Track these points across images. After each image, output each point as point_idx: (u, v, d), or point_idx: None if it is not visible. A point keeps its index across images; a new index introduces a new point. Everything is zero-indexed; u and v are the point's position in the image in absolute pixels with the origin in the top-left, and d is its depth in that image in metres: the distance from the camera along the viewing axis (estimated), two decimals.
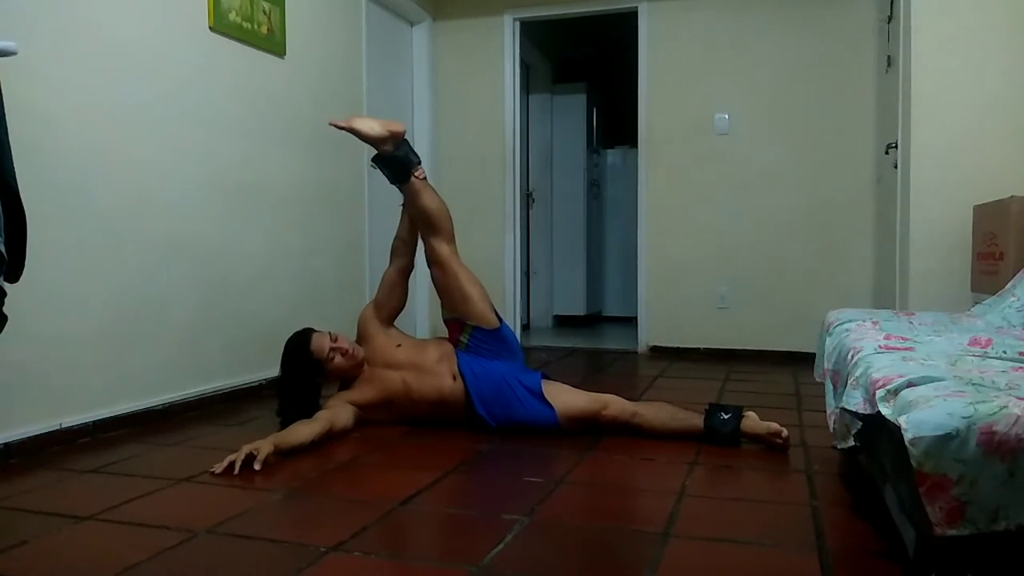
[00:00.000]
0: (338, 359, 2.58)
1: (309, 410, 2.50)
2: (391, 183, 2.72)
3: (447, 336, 2.73)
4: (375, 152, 2.69)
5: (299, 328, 2.70)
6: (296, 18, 3.56)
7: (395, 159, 2.65)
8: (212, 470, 2.09)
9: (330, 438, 2.42)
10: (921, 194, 3.29)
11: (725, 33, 4.53)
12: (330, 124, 2.67)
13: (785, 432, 2.31)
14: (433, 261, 2.69)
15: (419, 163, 2.69)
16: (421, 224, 2.72)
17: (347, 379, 2.67)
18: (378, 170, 2.73)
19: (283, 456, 2.22)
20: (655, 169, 4.69)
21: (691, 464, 2.19)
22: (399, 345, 2.67)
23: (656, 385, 3.63)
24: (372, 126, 2.63)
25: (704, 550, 1.58)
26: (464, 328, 2.66)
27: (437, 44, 5.01)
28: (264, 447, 2.15)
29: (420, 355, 2.63)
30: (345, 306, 3.81)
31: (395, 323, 2.83)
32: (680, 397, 2.95)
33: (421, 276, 4.95)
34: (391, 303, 2.80)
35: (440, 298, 2.74)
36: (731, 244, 4.55)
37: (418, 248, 2.86)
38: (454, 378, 2.57)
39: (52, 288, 2.39)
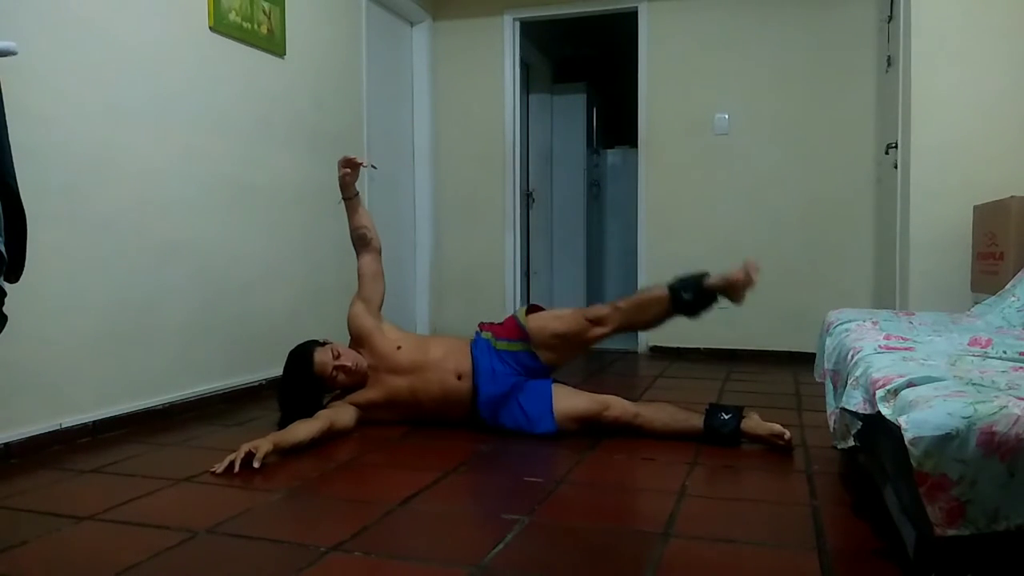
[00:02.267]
0: (341, 376, 2.54)
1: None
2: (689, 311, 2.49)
3: (486, 327, 2.68)
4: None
5: (298, 327, 2.70)
6: (296, 18, 3.56)
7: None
8: (213, 470, 2.09)
9: (331, 437, 2.42)
10: (921, 194, 3.29)
11: (725, 33, 4.53)
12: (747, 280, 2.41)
13: (788, 434, 2.31)
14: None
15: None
16: (627, 327, 2.60)
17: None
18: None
19: (283, 454, 2.22)
20: (655, 169, 4.69)
21: (691, 464, 2.19)
22: (400, 347, 2.62)
23: (656, 385, 3.63)
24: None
25: (704, 550, 1.58)
26: (523, 342, 2.56)
27: (437, 44, 5.01)
28: (263, 445, 2.15)
29: (423, 355, 2.59)
30: (345, 307, 3.79)
31: (391, 320, 2.79)
32: (680, 397, 2.95)
33: (422, 277, 4.96)
34: (377, 293, 2.75)
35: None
36: (731, 244, 4.53)
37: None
38: (459, 377, 2.55)
39: (52, 288, 2.39)
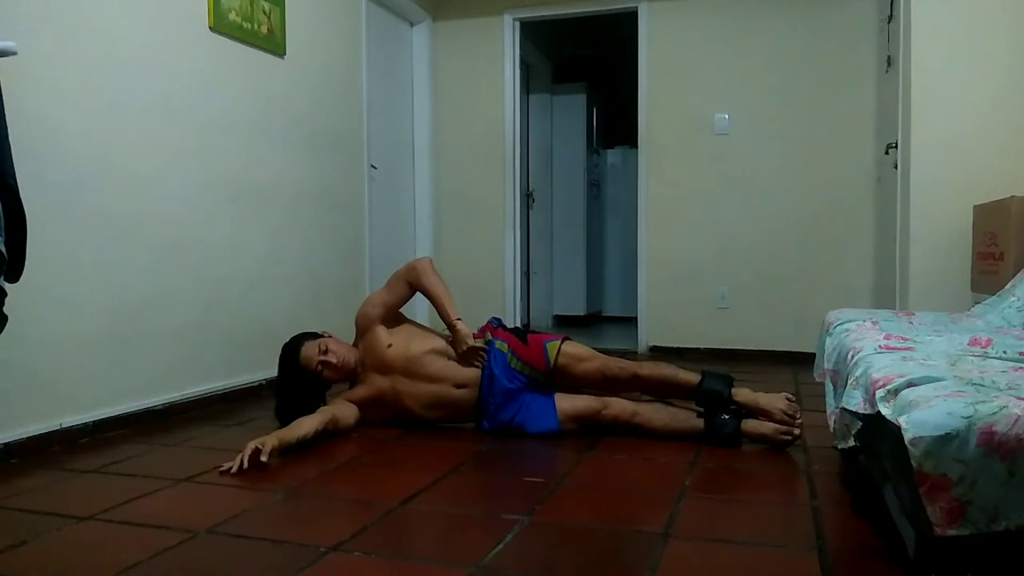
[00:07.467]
0: (326, 372, 2.53)
1: (309, 412, 2.48)
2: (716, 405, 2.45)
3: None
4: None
5: (298, 327, 2.69)
6: (296, 18, 3.56)
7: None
8: (222, 470, 2.09)
9: (334, 433, 2.43)
10: (921, 194, 3.29)
11: (725, 33, 4.53)
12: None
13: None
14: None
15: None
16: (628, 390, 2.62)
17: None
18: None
19: (289, 451, 2.22)
20: (655, 169, 4.69)
21: (691, 464, 2.19)
22: (390, 346, 2.56)
23: None
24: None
25: (704, 550, 1.58)
26: (542, 373, 2.54)
27: (437, 44, 5.01)
28: (269, 441, 2.16)
29: (416, 358, 2.54)
30: (345, 306, 3.79)
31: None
32: None
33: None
34: (397, 305, 2.74)
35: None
36: (731, 244, 4.55)
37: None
38: (458, 387, 2.53)
39: (52, 288, 2.39)
